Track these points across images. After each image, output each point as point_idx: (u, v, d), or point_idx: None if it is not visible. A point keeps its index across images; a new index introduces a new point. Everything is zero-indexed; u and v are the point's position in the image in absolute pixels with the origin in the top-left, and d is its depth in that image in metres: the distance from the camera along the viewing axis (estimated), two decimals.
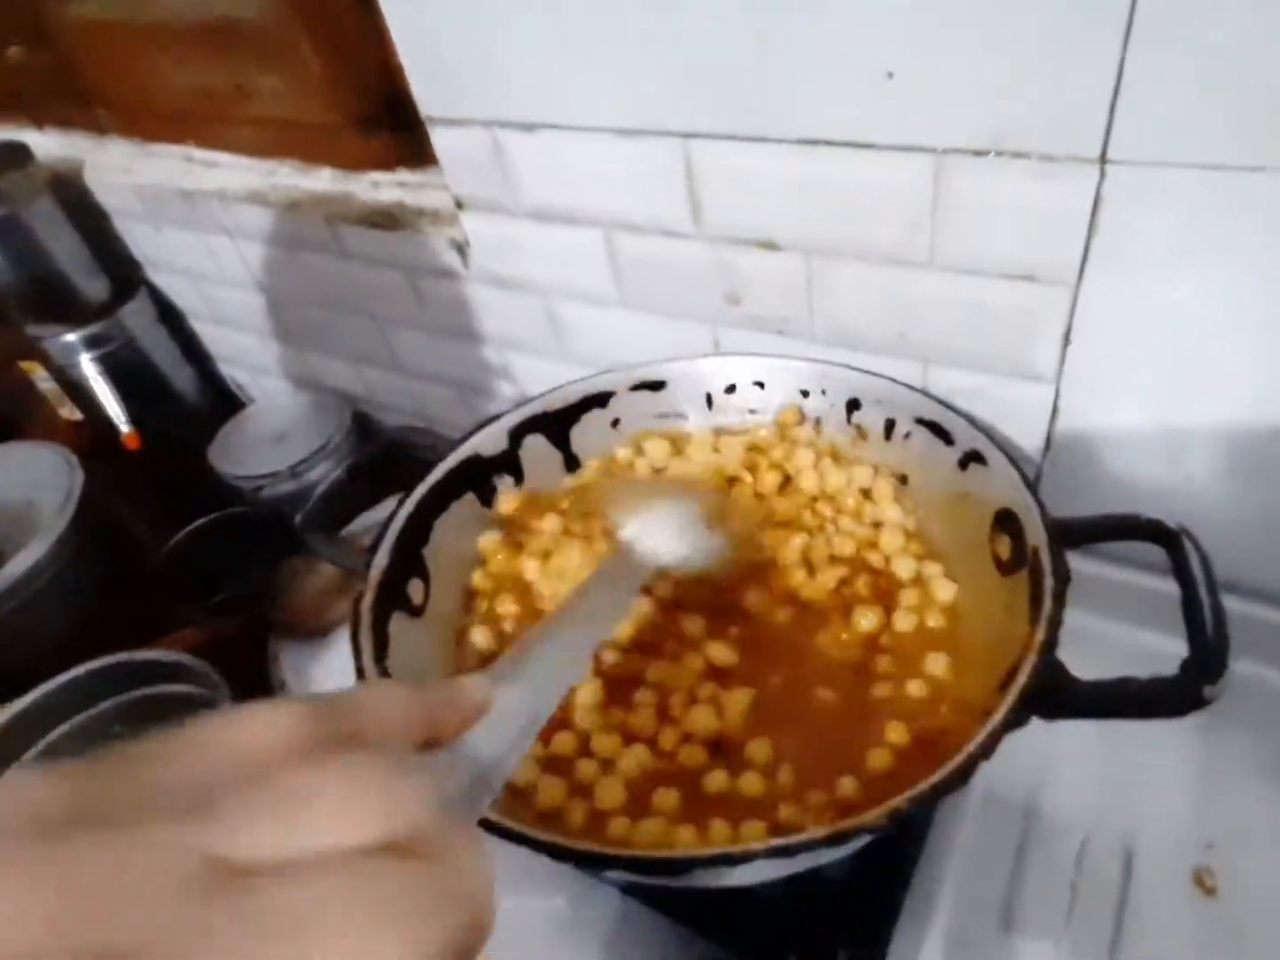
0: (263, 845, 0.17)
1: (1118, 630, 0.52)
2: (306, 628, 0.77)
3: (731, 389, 0.59)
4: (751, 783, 0.40)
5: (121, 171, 0.95)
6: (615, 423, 0.58)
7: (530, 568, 0.52)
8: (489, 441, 0.53)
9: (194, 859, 0.16)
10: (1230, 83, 0.38)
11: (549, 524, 0.54)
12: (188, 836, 0.16)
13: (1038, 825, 0.47)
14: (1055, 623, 0.37)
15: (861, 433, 0.56)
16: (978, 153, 0.45)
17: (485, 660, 0.48)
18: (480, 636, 0.49)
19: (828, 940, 0.43)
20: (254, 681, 0.75)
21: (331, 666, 0.75)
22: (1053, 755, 0.49)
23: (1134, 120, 0.40)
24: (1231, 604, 0.52)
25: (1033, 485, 0.44)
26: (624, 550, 0.43)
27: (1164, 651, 0.36)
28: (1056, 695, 0.36)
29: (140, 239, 1.01)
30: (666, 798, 0.40)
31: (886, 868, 0.47)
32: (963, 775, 0.32)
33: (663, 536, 0.44)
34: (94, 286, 1.00)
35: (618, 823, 0.39)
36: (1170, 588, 0.39)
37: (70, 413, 1.11)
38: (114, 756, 0.18)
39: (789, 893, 0.45)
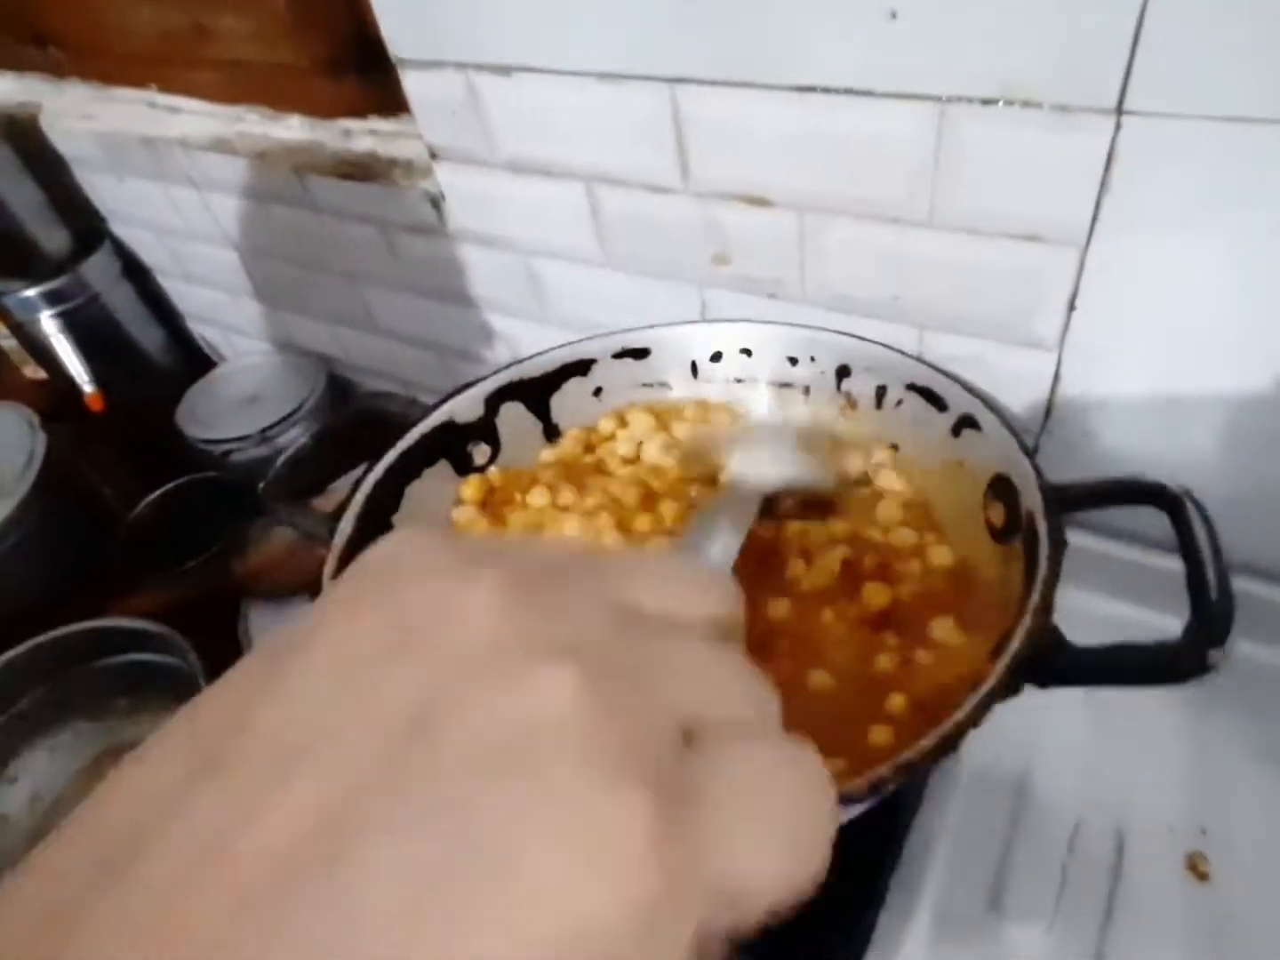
0: (663, 602, 0.18)
1: (1112, 606, 0.51)
2: (274, 587, 0.75)
3: (717, 357, 0.56)
4: None
5: (80, 117, 0.90)
6: (597, 391, 0.56)
7: None
8: (465, 408, 0.51)
9: (619, 599, 0.17)
10: (1258, 29, 0.35)
11: (535, 499, 0.51)
12: (608, 583, 0.17)
13: (1029, 807, 0.46)
14: (1050, 586, 0.35)
15: (851, 401, 0.54)
16: (985, 101, 0.42)
17: None
18: None
19: (811, 921, 0.42)
20: (223, 646, 0.73)
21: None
22: (1045, 736, 0.47)
23: (1154, 68, 0.38)
24: (1234, 582, 0.51)
25: (1028, 449, 0.42)
26: (733, 484, 0.46)
27: (1161, 628, 0.34)
28: (1052, 661, 0.34)
29: (102, 190, 0.96)
30: None
31: (873, 847, 0.45)
32: (951, 743, 0.31)
33: (768, 462, 0.48)
34: (54, 239, 0.95)
35: None
36: (1166, 563, 0.37)
37: (33, 371, 1.07)
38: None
39: None
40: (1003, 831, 0.45)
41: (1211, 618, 0.33)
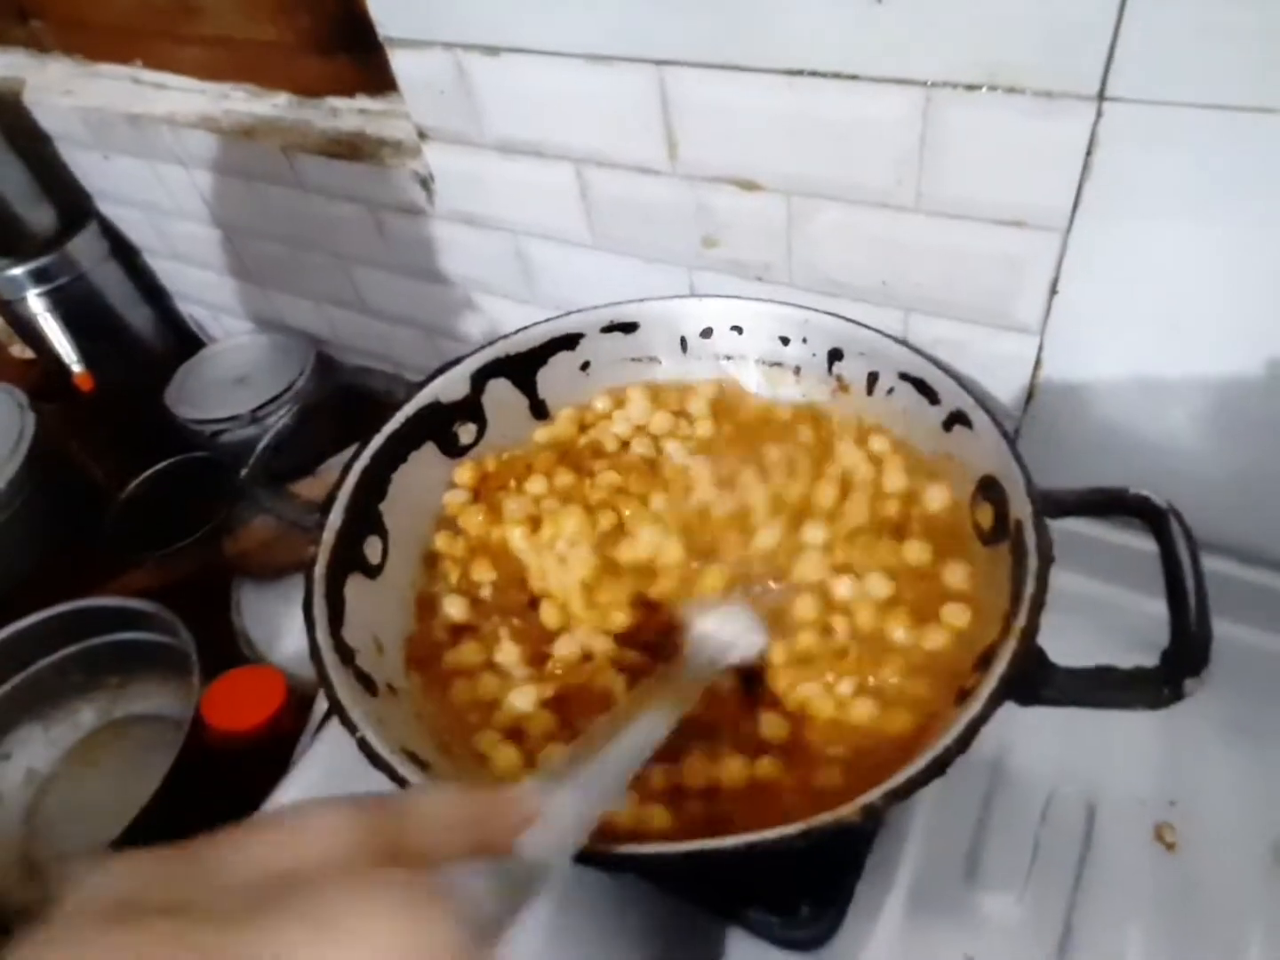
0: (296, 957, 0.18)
1: (1092, 587, 0.52)
2: (264, 567, 0.76)
3: (707, 333, 0.56)
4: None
5: (63, 93, 0.89)
6: (585, 366, 0.56)
7: (515, 536, 0.49)
8: (450, 386, 0.51)
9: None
10: (1239, 18, 0.35)
11: (533, 486, 0.51)
12: (236, 943, 0.18)
13: (1003, 782, 0.47)
14: (1037, 607, 0.35)
15: (843, 385, 0.54)
16: (970, 87, 0.42)
17: (456, 631, 0.46)
18: (454, 608, 0.47)
19: (791, 893, 0.43)
20: (215, 627, 0.73)
21: (289, 609, 0.74)
22: (1020, 712, 0.48)
23: (1136, 55, 0.38)
24: (1208, 562, 0.52)
25: (1019, 453, 0.42)
26: (696, 646, 0.42)
27: (1138, 610, 0.35)
28: (1035, 684, 0.35)
29: (87, 167, 0.96)
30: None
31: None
32: (939, 768, 0.32)
33: (737, 631, 0.43)
34: (39, 217, 0.94)
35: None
36: (1142, 543, 0.38)
37: (21, 351, 1.07)
38: (187, 850, 0.20)
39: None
40: (979, 804, 0.47)
41: (1189, 648, 0.33)
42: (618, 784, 0.29)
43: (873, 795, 0.31)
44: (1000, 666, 0.34)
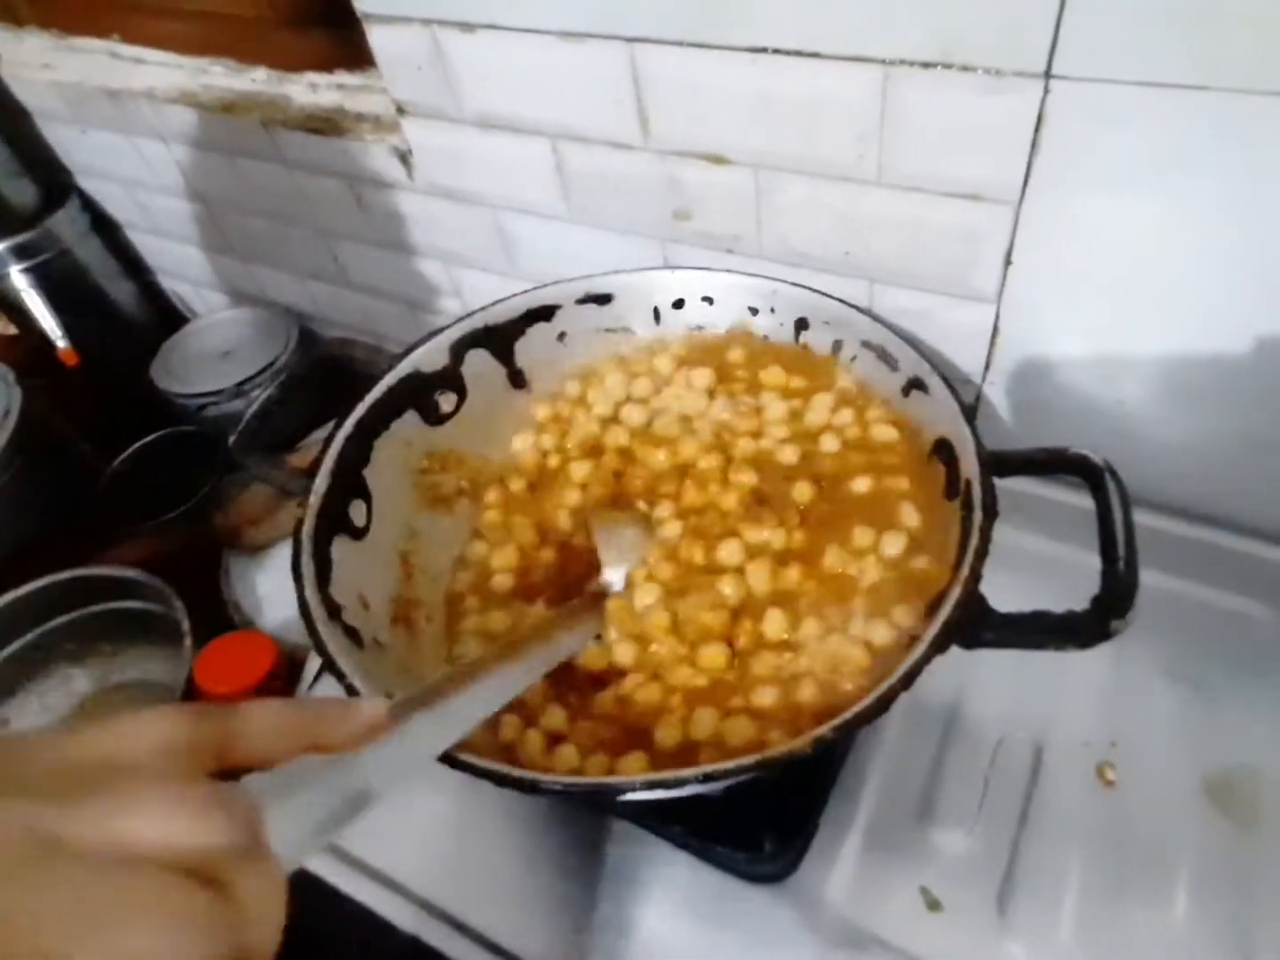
0: (84, 827, 0.19)
1: (1038, 542, 0.55)
2: (251, 540, 0.78)
3: (680, 304, 0.58)
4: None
5: (41, 67, 0.89)
6: (561, 336, 0.58)
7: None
8: (429, 357, 0.53)
9: (28, 830, 0.19)
10: (1174, 1, 0.37)
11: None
12: (28, 815, 0.19)
13: (958, 727, 0.50)
14: (981, 557, 0.38)
15: (807, 352, 0.56)
16: (926, 65, 0.44)
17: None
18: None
19: (755, 830, 0.46)
20: (205, 596, 0.75)
21: (277, 578, 0.76)
22: (975, 662, 0.51)
23: (1079, 35, 0.40)
24: (1149, 520, 0.55)
25: (970, 417, 0.45)
26: (598, 593, 0.44)
27: (1080, 563, 0.38)
28: (977, 627, 0.37)
29: (66, 142, 0.96)
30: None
31: (815, 765, 0.49)
32: (884, 704, 0.34)
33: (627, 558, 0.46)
34: (19, 192, 0.94)
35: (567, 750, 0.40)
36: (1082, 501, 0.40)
37: (5, 327, 1.07)
38: (12, 738, 0.21)
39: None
40: (934, 748, 0.49)
41: (1116, 592, 0.36)
42: (474, 721, 0.30)
43: (823, 729, 0.33)
44: (944, 612, 0.36)
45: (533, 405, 0.58)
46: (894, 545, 0.45)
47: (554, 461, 0.56)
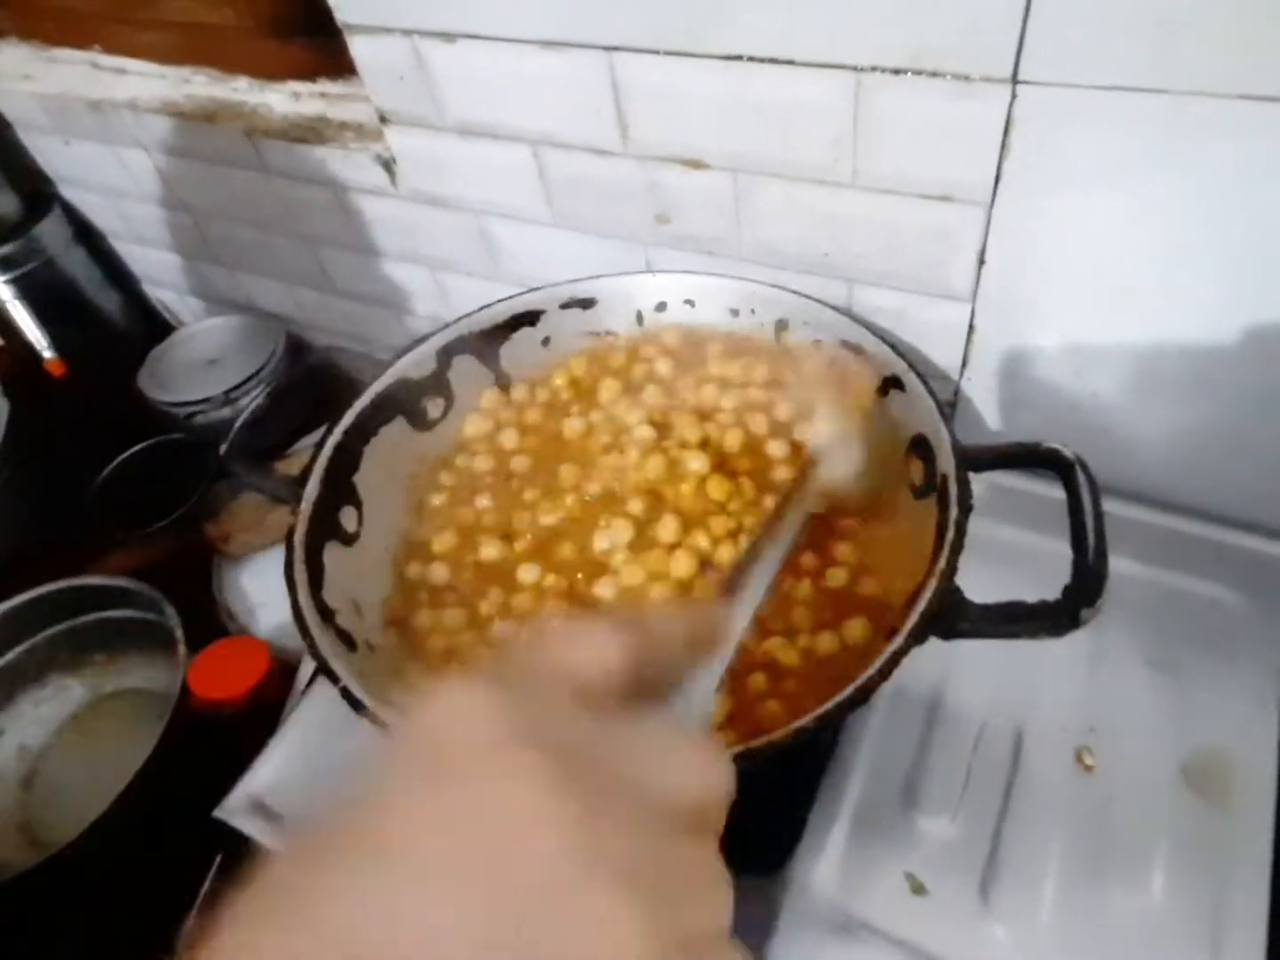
0: (666, 786, 0.20)
1: (1014, 534, 0.56)
2: (242, 546, 0.78)
3: (662, 307, 0.59)
4: None
5: (21, 78, 0.89)
6: (546, 341, 0.59)
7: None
8: (417, 363, 0.53)
9: (654, 809, 0.19)
10: (1132, 5, 0.38)
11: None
12: (626, 773, 0.19)
13: (941, 716, 0.51)
14: (956, 551, 0.39)
15: (788, 352, 0.57)
16: (896, 71, 0.45)
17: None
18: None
19: (745, 822, 0.47)
20: (197, 603, 0.75)
21: (269, 584, 0.76)
22: (957, 651, 0.52)
23: (1044, 42, 0.41)
24: (1126, 510, 0.56)
25: (946, 414, 0.46)
26: (814, 463, 0.44)
27: (1053, 554, 0.39)
28: (954, 619, 0.38)
29: (49, 153, 0.96)
30: None
31: (805, 756, 0.50)
32: (865, 694, 0.35)
33: (845, 453, 0.46)
34: (2, 204, 0.94)
35: None
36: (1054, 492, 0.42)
37: None
38: (500, 679, 0.21)
39: None
40: (918, 738, 0.51)
41: (1086, 581, 0.37)
42: (766, 589, 0.31)
43: (804, 719, 0.34)
44: (921, 604, 0.37)
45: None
46: None
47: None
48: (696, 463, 0.51)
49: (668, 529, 0.48)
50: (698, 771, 0.21)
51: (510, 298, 0.57)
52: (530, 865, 0.17)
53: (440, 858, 0.17)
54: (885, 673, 0.35)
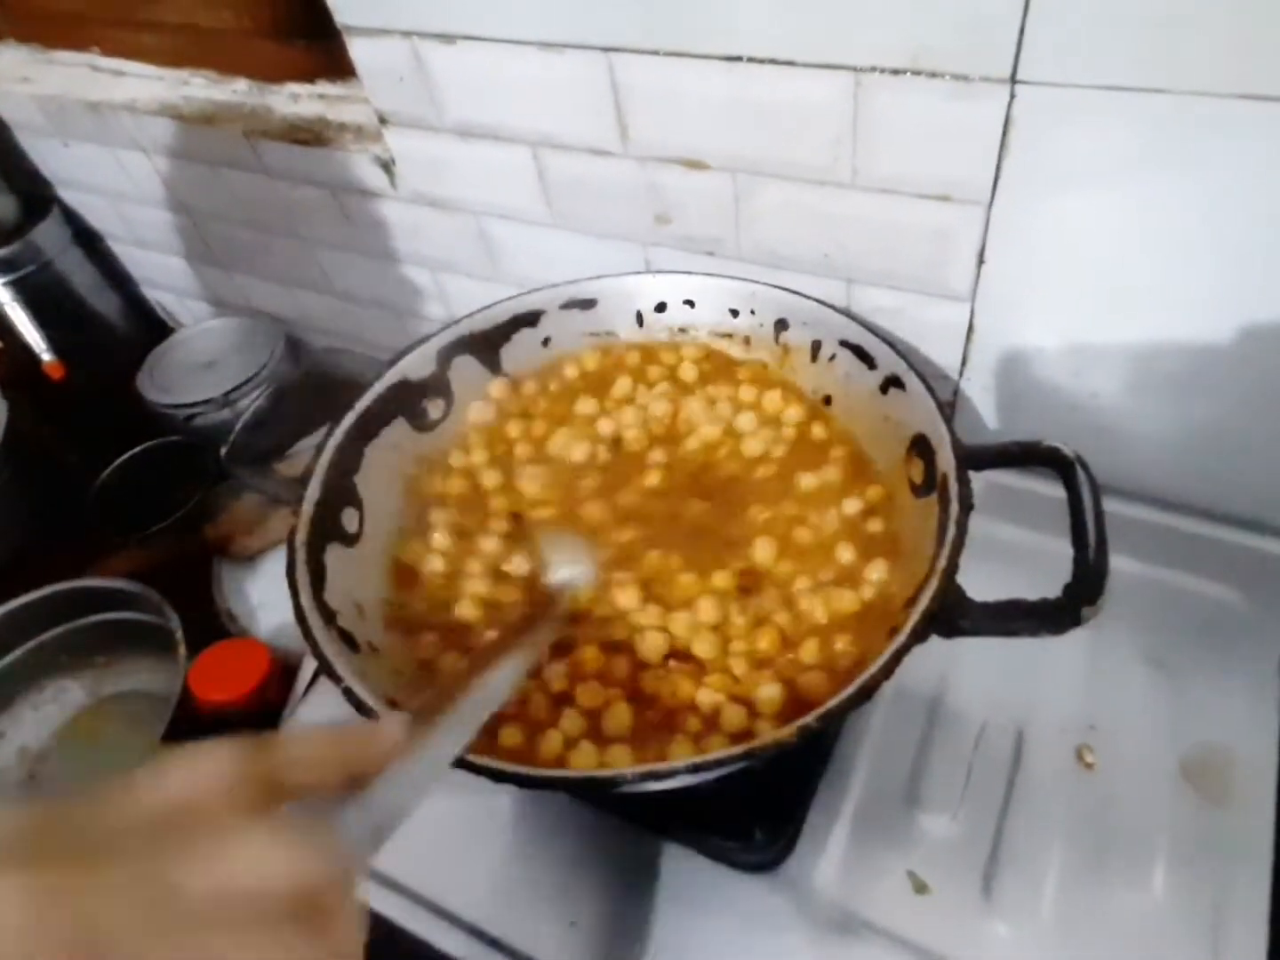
0: (196, 877, 0.20)
1: (1015, 532, 0.56)
2: (242, 548, 0.78)
3: (662, 307, 0.59)
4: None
5: (19, 80, 0.89)
6: (546, 341, 0.59)
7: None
8: (417, 364, 0.53)
9: (151, 884, 0.19)
10: (1130, 6, 0.38)
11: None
12: (146, 871, 0.19)
13: (942, 715, 0.51)
14: (957, 549, 0.39)
15: (788, 352, 0.57)
16: (895, 71, 0.45)
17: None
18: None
19: (746, 820, 0.47)
20: (197, 605, 0.75)
21: (269, 586, 0.76)
22: (958, 650, 0.52)
23: (1042, 42, 0.41)
24: (1125, 509, 0.56)
25: (946, 413, 0.46)
26: (553, 590, 0.45)
27: (1054, 552, 0.39)
28: (955, 616, 0.38)
29: (47, 155, 0.96)
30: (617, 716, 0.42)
31: (806, 754, 0.50)
32: (867, 693, 0.35)
33: (577, 565, 0.46)
34: (1, 205, 0.94)
35: (552, 738, 0.41)
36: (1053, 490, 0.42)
37: None
38: (66, 800, 0.21)
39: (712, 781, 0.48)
40: (919, 737, 0.51)
41: (1087, 579, 0.37)
42: (476, 726, 0.32)
43: (808, 718, 0.34)
44: (923, 603, 0.37)
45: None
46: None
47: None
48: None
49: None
50: (255, 858, 0.21)
51: (510, 298, 0.57)
52: None
53: None
54: (888, 670, 0.35)
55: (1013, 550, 0.55)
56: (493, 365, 0.57)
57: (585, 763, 0.40)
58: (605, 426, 0.56)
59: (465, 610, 0.47)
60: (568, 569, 0.46)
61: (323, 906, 0.21)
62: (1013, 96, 0.44)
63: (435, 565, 0.50)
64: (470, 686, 0.33)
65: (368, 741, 0.27)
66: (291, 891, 0.21)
